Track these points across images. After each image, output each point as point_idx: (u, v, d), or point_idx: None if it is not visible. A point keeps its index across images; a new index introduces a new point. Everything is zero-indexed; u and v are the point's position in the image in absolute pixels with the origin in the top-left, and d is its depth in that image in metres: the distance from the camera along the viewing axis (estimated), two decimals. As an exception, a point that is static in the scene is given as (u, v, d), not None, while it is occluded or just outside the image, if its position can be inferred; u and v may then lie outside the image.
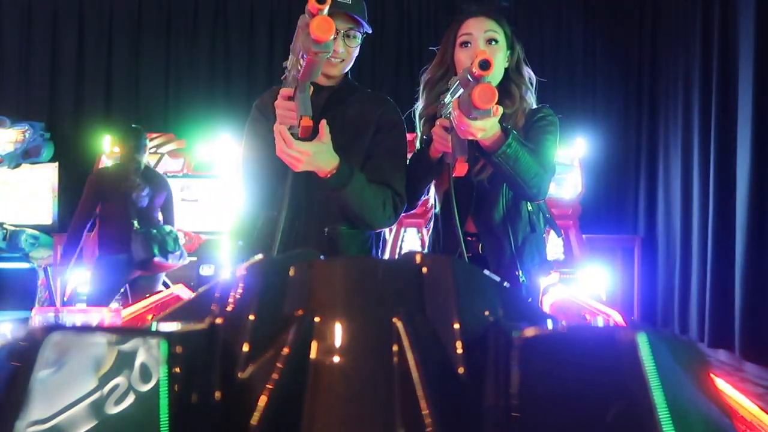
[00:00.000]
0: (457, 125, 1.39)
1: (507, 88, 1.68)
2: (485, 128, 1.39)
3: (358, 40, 1.61)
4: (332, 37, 1.24)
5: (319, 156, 1.44)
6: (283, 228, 1.56)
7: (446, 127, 1.50)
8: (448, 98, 1.50)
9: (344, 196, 1.52)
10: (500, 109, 1.38)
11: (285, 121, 1.44)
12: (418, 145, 1.76)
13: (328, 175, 1.48)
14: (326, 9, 1.22)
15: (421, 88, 1.76)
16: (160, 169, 4.96)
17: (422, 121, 1.76)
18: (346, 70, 1.66)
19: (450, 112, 1.46)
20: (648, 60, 6.03)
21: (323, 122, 1.45)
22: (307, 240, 1.59)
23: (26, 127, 6.09)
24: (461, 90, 1.38)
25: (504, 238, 1.68)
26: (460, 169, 1.44)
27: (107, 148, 4.97)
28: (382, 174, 1.60)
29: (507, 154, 1.45)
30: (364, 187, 1.54)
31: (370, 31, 1.63)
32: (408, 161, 1.71)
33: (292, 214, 1.60)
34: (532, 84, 1.73)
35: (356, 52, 1.64)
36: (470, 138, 1.41)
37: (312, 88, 1.41)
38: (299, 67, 1.33)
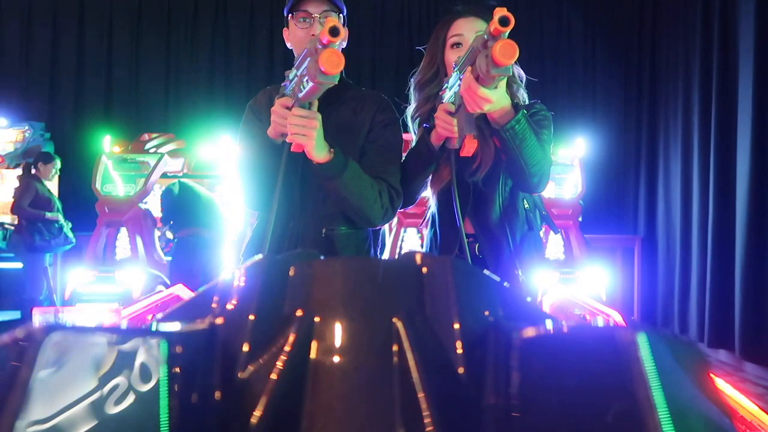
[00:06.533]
0: (468, 96, 1.36)
1: None
2: (494, 98, 1.37)
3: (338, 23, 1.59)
4: (341, 70, 1.22)
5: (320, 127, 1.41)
6: (274, 229, 1.53)
7: (449, 111, 1.48)
8: (452, 79, 1.49)
9: (340, 185, 1.48)
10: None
11: (278, 128, 1.44)
12: (414, 145, 1.75)
13: (323, 162, 1.45)
14: (338, 42, 1.21)
15: (412, 90, 1.75)
16: (159, 169, 4.96)
17: (415, 122, 1.76)
18: None
19: (453, 94, 1.45)
20: (648, 59, 6.03)
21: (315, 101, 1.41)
22: (304, 241, 1.58)
23: (26, 127, 6.10)
24: (468, 65, 1.35)
25: (502, 238, 1.67)
26: (470, 147, 1.42)
27: (107, 148, 4.97)
28: (376, 168, 1.58)
29: (515, 130, 1.44)
30: (360, 175, 1.52)
31: (345, 12, 1.60)
32: (404, 158, 1.70)
33: (288, 215, 1.58)
34: (522, 81, 1.73)
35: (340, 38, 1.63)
36: (479, 110, 1.39)
37: (317, 101, 1.41)
38: (302, 88, 1.32)
